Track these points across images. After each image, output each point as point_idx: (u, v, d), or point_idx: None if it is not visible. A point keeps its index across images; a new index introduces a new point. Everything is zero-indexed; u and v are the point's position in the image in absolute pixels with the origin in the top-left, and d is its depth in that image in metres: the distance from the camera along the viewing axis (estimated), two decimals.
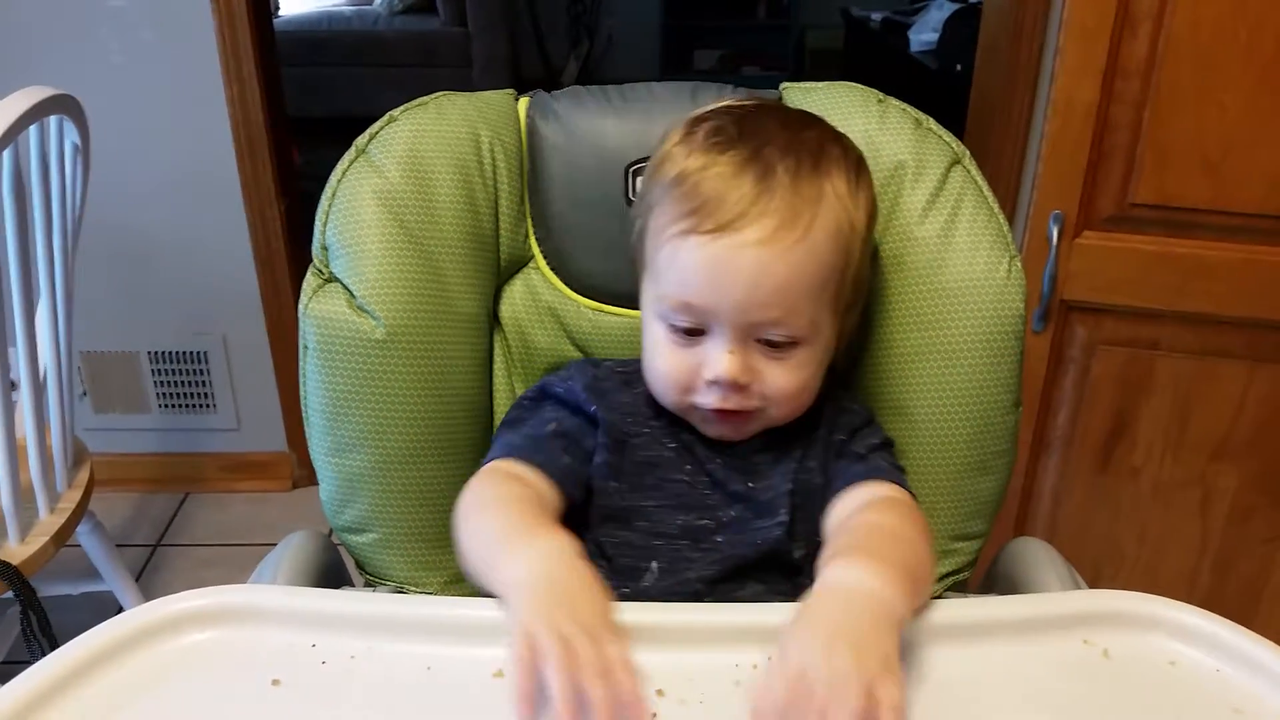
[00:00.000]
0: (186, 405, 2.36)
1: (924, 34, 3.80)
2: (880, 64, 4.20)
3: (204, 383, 2.34)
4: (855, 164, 0.80)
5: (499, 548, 0.70)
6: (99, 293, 2.12)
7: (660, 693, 0.63)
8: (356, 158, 0.87)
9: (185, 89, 2.07)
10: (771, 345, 0.77)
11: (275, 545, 0.87)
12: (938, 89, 3.30)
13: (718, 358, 0.76)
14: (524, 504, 0.75)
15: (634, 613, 0.66)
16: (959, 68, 3.16)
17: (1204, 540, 1.44)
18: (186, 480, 2.42)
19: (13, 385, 1.43)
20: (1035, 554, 0.86)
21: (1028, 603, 0.72)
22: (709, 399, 0.78)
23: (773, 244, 0.73)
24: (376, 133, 0.88)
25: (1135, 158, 1.28)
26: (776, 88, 0.96)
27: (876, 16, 4.32)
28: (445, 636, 0.66)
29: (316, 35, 4.80)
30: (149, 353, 2.30)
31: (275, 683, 0.63)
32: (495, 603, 0.67)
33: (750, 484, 0.83)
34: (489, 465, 0.81)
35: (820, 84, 0.94)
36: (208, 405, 2.36)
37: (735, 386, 0.76)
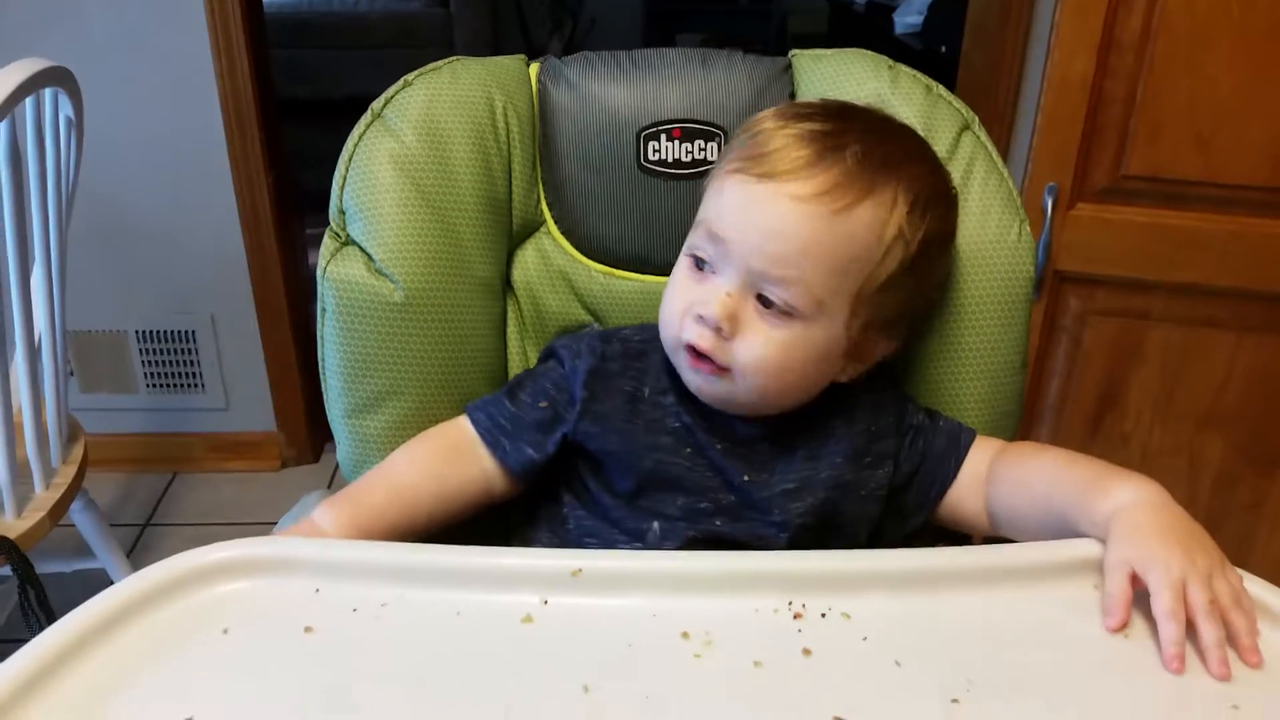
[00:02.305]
0: (174, 385, 2.36)
1: (909, 16, 3.81)
2: (865, 47, 4.20)
3: (192, 362, 2.33)
4: (934, 192, 0.80)
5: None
6: (87, 271, 2.11)
7: (685, 635, 0.64)
8: (372, 121, 0.88)
9: (174, 64, 2.05)
10: (766, 306, 0.76)
11: (264, 524, 0.88)
12: (924, 71, 3.31)
13: (713, 295, 0.77)
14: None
15: (652, 560, 0.68)
16: (944, 49, 3.17)
17: (1190, 506, 1.43)
18: (175, 460, 2.41)
19: None
20: None
21: (1038, 549, 0.74)
22: (689, 333, 0.78)
23: (806, 203, 0.74)
24: (392, 97, 0.89)
25: (1128, 131, 1.30)
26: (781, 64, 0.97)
27: (861, 0, 4.34)
28: (474, 584, 0.67)
29: (298, 17, 4.76)
30: (137, 332, 2.29)
31: (308, 630, 0.64)
32: (522, 551, 0.69)
33: (746, 477, 0.83)
34: (463, 426, 0.85)
35: (831, 50, 0.95)
36: (196, 385, 2.35)
37: (716, 329, 0.76)
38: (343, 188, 0.87)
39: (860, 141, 0.76)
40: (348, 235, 0.86)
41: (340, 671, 0.61)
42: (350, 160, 0.87)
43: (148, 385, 2.35)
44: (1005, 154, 1.67)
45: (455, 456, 0.84)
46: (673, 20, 5.55)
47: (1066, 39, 1.26)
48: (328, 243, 0.87)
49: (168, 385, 2.36)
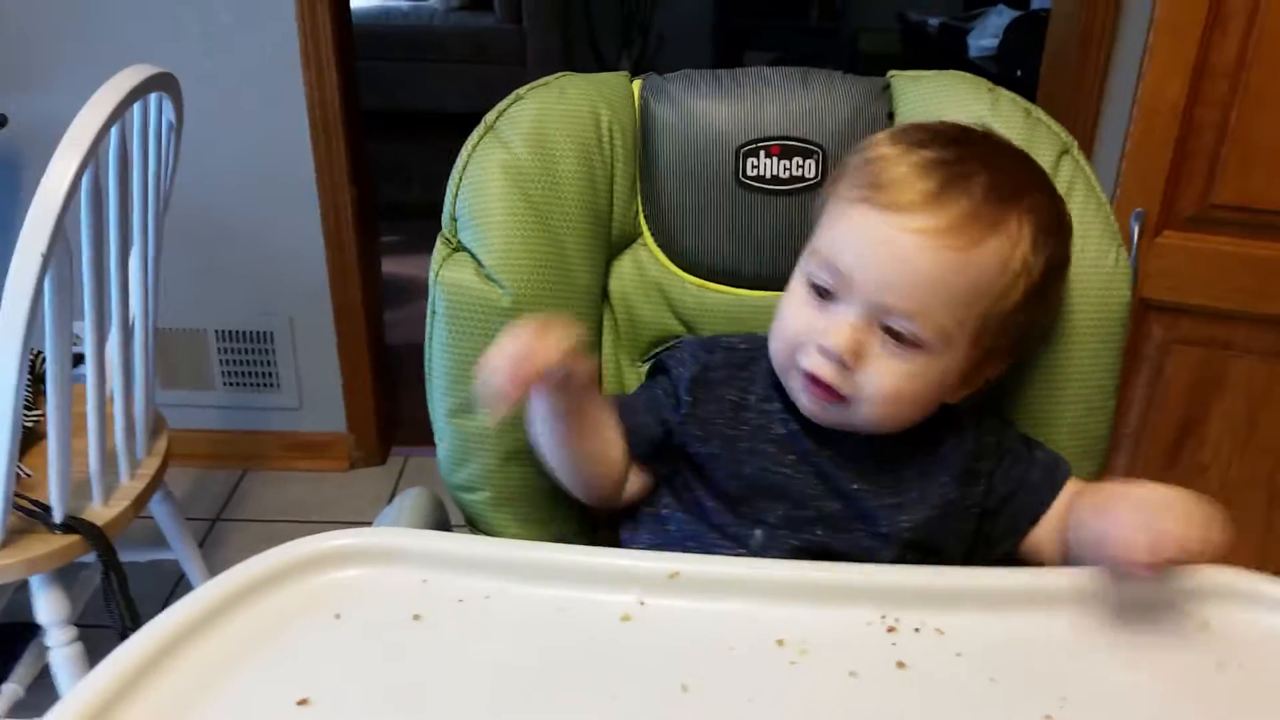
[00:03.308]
0: (250, 384, 2.41)
1: (983, 40, 3.82)
2: (939, 69, 4.20)
3: (269, 362, 2.39)
4: (1053, 219, 0.81)
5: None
6: (171, 271, 2.15)
7: (780, 642, 0.66)
8: (485, 133, 0.91)
9: (265, 72, 2.12)
10: (893, 337, 0.77)
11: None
12: None
13: (838, 326, 0.77)
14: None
15: (757, 568, 0.69)
16: (1019, 73, 3.17)
17: (1268, 541, 1.45)
18: (246, 457, 2.47)
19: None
20: None
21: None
22: (810, 363, 0.78)
23: (934, 238, 0.74)
24: (504, 110, 0.91)
25: (1219, 159, 1.29)
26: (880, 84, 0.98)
27: (934, 21, 4.34)
28: (575, 581, 0.69)
29: (373, 29, 4.86)
30: (216, 331, 2.35)
31: (416, 618, 0.66)
32: (622, 553, 0.71)
33: (855, 485, 0.83)
34: None
35: (930, 72, 0.96)
36: (271, 384, 2.41)
37: (839, 362, 0.77)
38: (456, 196, 0.90)
39: (984, 171, 0.77)
40: (459, 241, 0.89)
41: (447, 659, 0.63)
42: (464, 170, 0.90)
43: (225, 383, 2.41)
44: None
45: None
46: (742, 37, 5.57)
47: (1159, 63, 1.26)
48: (440, 248, 0.90)
49: (244, 384, 2.41)
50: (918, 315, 0.75)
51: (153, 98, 1.46)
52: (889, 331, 0.76)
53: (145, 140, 1.46)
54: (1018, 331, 0.81)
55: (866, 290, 0.76)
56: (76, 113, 1.28)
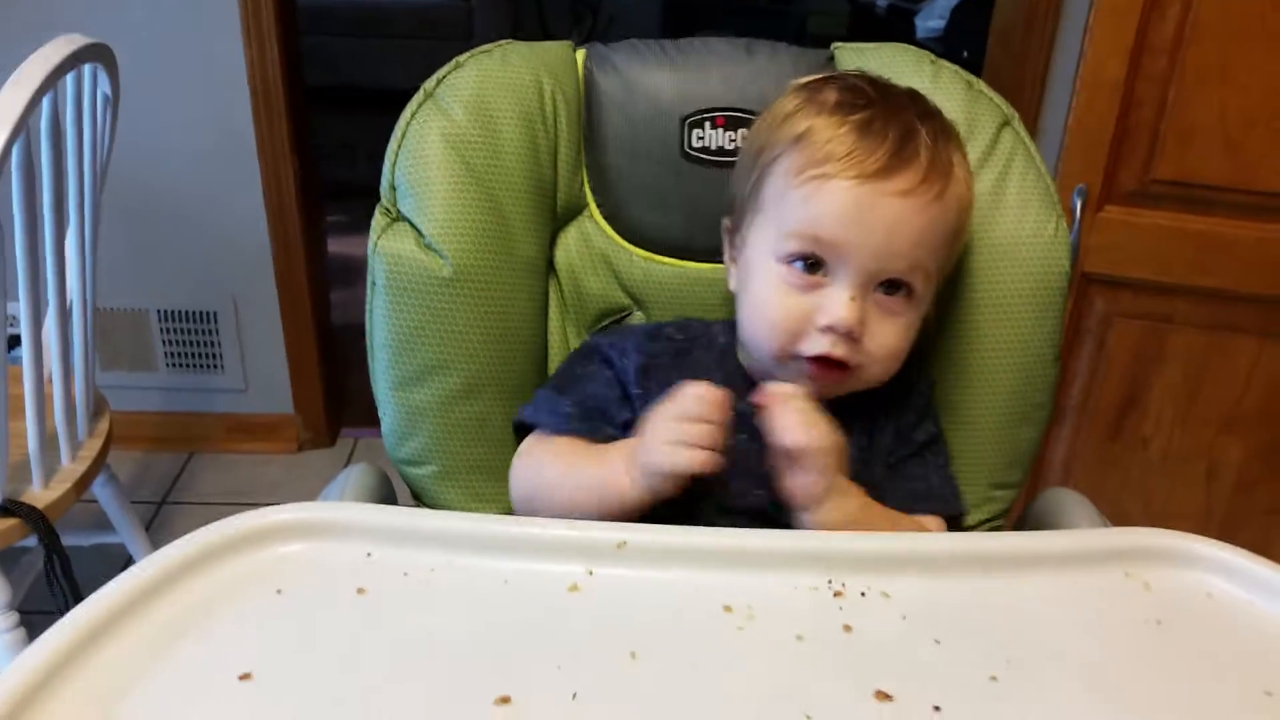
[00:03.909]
0: (194, 365, 2.37)
1: (931, 20, 3.84)
2: None
3: (213, 343, 2.35)
4: (963, 149, 0.85)
5: (595, 457, 0.82)
6: (110, 249, 2.11)
7: (728, 608, 0.66)
8: (425, 100, 0.89)
9: (205, 47, 2.07)
10: (889, 294, 0.79)
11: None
12: None
13: (840, 303, 0.78)
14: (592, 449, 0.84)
15: (704, 536, 0.69)
16: (966, 54, 3.19)
17: (1209, 510, 1.48)
18: (192, 440, 2.43)
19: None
20: (1070, 500, 0.90)
21: (1072, 537, 0.75)
22: (818, 346, 0.79)
23: (915, 196, 0.77)
24: (444, 76, 0.90)
25: (1158, 134, 1.31)
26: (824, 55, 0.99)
27: (882, 3, 4.36)
28: (521, 553, 0.68)
29: (320, 4, 4.78)
30: (159, 311, 2.31)
31: (360, 591, 0.65)
32: (568, 523, 0.70)
33: None
34: (550, 439, 0.86)
35: (874, 44, 0.97)
36: (215, 366, 2.37)
37: (849, 335, 0.78)
38: (394, 164, 0.88)
39: (917, 116, 0.80)
40: (398, 211, 0.88)
41: (390, 632, 0.63)
42: (403, 137, 0.88)
43: (168, 364, 2.37)
44: None
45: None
46: (692, 17, 5.55)
47: (1100, 41, 1.27)
48: (378, 218, 0.88)
49: (187, 365, 2.37)
50: (913, 270, 0.79)
51: (86, 69, 1.43)
52: (886, 290, 0.79)
53: (80, 112, 1.42)
54: (956, 258, 0.86)
55: (861, 258, 0.77)
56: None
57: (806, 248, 0.79)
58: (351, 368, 2.53)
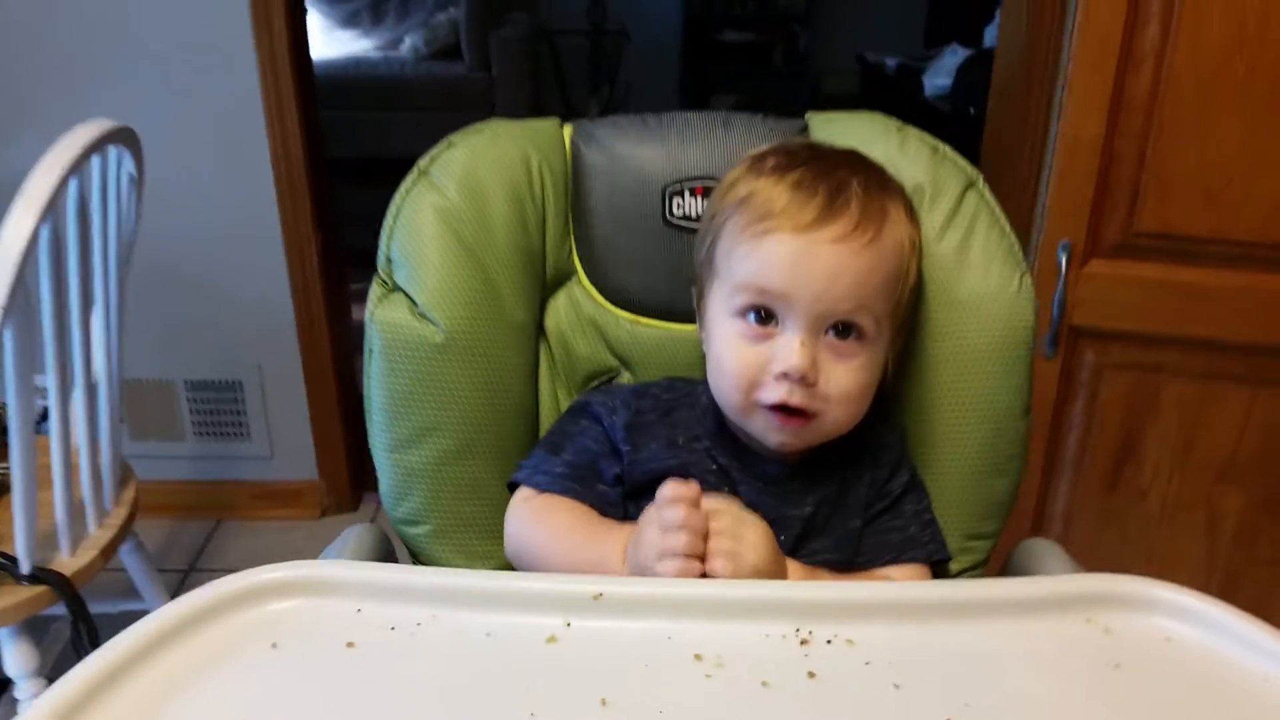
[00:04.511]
0: (221, 433, 2.43)
1: (938, 79, 3.90)
2: (895, 109, 4.28)
3: (239, 411, 2.41)
4: (908, 202, 0.90)
5: (593, 531, 0.86)
6: (139, 322, 2.19)
7: (698, 657, 0.69)
8: (419, 178, 0.95)
9: (228, 124, 2.15)
10: (841, 338, 0.83)
11: None
12: (952, 132, 3.38)
13: (789, 350, 0.82)
14: (588, 514, 0.88)
15: (678, 587, 0.73)
16: (973, 111, 3.24)
17: (1210, 560, 1.49)
18: (219, 507, 2.48)
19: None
20: (1045, 550, 0.92)
21: (1035, 584, 0.78)
22: (776, 394, 0.82)
23: (849, 242, 0.81)
24: (437, 156, 0.96)
25: (1139, 189, 1.35)
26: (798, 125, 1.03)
27: (891, 62, 4.44)
28: (503, 606, 0.72)
29: (345, 79, 4.93)
30: (185, 381, 2.38)
31: (350, 645, 0.69)
32: (548, 576, 0.74)
33: (780, 510, 0.88)
34: (544, 495, 0.90)
35: (843, 113, 1.01)
36: (241, 434, 2.43)
37: (803, 381, 0.82)
38: (390, 238, 0.94)
39: (849, 170, 0.85)
40: (394, 282, 0.93)
41: (379, 684, 0.66)
42: (398, 213, 0.94)
43: (195, 433, 2.43)
44: (1029, 212, 1.72)
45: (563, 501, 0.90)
46: (708, 83, 5.68)
47: (1078, 99, 1.31)
48: (375, 289, 0.93)
49: (214, 434, 2.43)
50: (858, 311, 0.82)
51: (111, 151, 1.50)
52: (837, 333, 0.83)
53: (105, 193, 1.50)
54: (911, 305, 0.90)
55: (805, 304, 0.81)
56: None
57: (755, 299, 0.83)
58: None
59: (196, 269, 2.27)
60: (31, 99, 2.12)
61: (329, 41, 5.27)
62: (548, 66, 5.41)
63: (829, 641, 0.71)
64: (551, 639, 0.70)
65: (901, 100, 4.20)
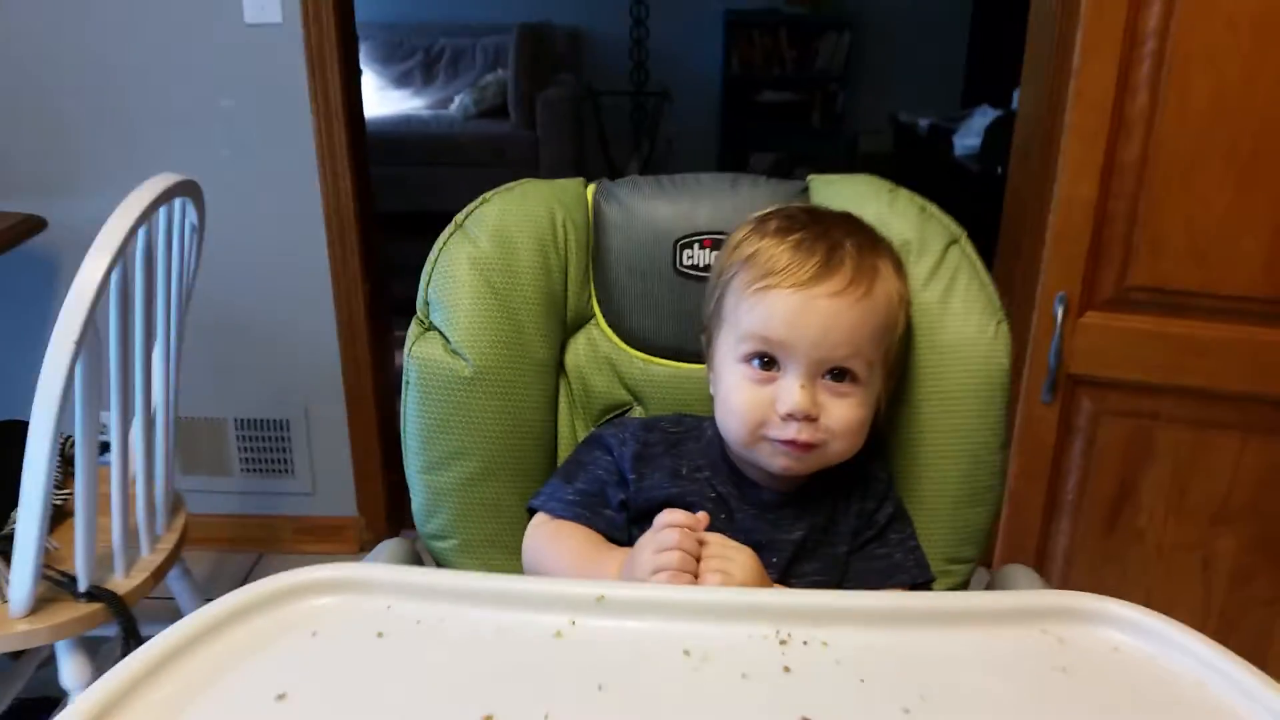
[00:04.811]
0: (267, 470, 2.55)
1: (968, 139, 4.00)
2: (926, 167, 4.40)
3: (285, 449, 2.53)
4: (897, 260, 0.99)
5: (596, 552, 0.95)
6: (194, 363, 2.30)
7: (687, 652, 0.77)
8: (455, 230, 1.07)
9: (285, 181, 2.29)
10: (837, 380, 0.92)
11: None
12: (980, 190, 3.48)
13: (792, 391, 0.91)
14: (592, 539, 0.97)
15: (672, 592, 0.82)
16: (1000, 170, 3.33)
17: (1207, 601, 1.54)
18: (262, 541, 2.59)
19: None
20: (1020, 574, 1.00)
21: (996, 597, 0.85)
22: (785, 432, 0.92)
23: (843, 297, 0.91)
24: (472, 211, 1.07)
25: (1131, 246, 1.43)
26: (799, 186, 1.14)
27: (924, 123, 4.55)
28: (516, 606, 0.81)
29: (397, 136, 5.11)
30: (235, 419, 2.50)
31: (380, 635, 0.78)
32: (555, 581, 0.83)
33: (772, 535, 0.98)
34: (555, 521, 0.99)
35: (841, 175, 1.11)
36: (286, 470, 2.55)
37: (806, 418, 0.91)
38: (428, 283, 1.05)
39: (844, 233, 0.94)
40: (430, 321, 1.04)
41: (406, 669, 0.75)
42: (436, 261, 1.05)
43: (242, 469, 2.55)
44: (1039, 266, 1.80)
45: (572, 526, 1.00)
46: (746, 140, 5.80)
47: (1073, 163, 1.40)
48: (413, 328, 1.04)
49: (261, 470, 2.55)
50: (851, 357, 0.92)
51: (177, 202, 1.62)
52: (833, 377, 0.92)
53: (169, 241, 1.62)
54: (900, 353, 0.99)
55: (804, 351, 0.91)
56: (109, 216, 1.43)
57: (759, 347, 0.93)
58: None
59: (250, 314, 2.40)
60: (108, 155, 2.28)
61: (382, 100, 5.48)
62: (591, 125, 5.57)
63: (805, 643, 0.79)
64: (558, 634, 0.79)
65: (933, 159, 4.31)
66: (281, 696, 0.71)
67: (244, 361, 2.45)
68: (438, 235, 1.07)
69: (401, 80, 5.70)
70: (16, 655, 2.11)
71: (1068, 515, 1.58)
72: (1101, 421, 1.52)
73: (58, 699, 1.86)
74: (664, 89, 5.76)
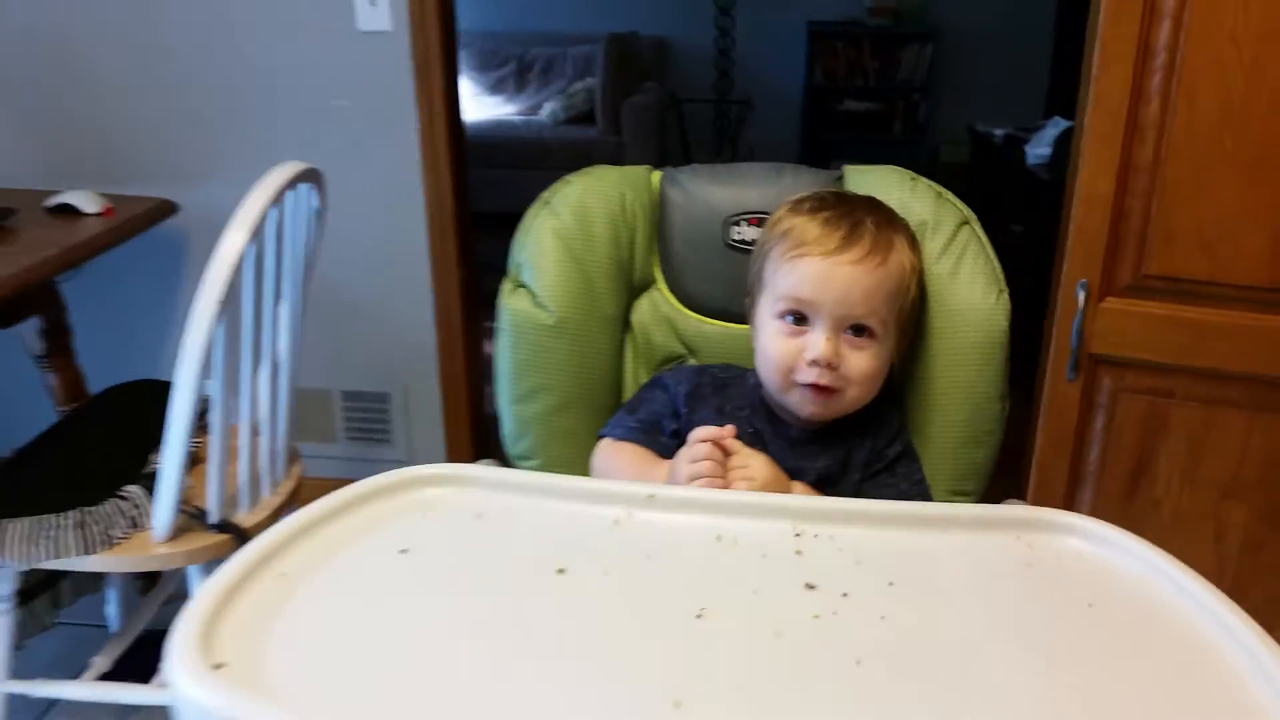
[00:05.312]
0: (368, 438, 2.78)
1: (1039, 149, 4.11)
2: (1000, 175, 4.52)
3: (384, 420, 2.76)
4: (912, 237, 1.18)
5: (648, 465, 1.15)
6: (307, 336, 2.54)
7: (719, 538, 0.97)
8: (542, 206, 1.28)
9: (392, 178, 2.52)
10: (856, 335, 1.11)
11: None
12: (1049, 198, 3.60)
13: (818, 342, 1.11)
14: (647, 455, 1.17)
15: (710, 494, 1.01)
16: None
17: (1220, 568, 1.68)
18: None
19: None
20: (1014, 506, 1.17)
21: (980, 509, 1.03)
22: (809, 376, 1.11)
23: (862, 264, 1.10)
24: (556, 189, 1.29)
25: (1146, 239, 1.58)
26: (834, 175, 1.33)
27: (999, 133, 4.66)
28: (583, 499, 1.01)
29: (490, 141, 5.37)
30: (341, 391, 2.75)
31: (478, 517, 0.99)
32: (615, 482, 1.03)
33: (798, 464, 1.16)
34: (617, 443, 1.19)
35: (871, 166, 1.30)
36: (385, 439, 2.78)
37: (829, 365, 1.10)
38: (520, 248, 1.27)
39: (865, 212, 1.13)
40: (519, 279, 1.26)
41: (498, 543, 0.96)
42: (527, 230, 1.28)
43: (346, 437, 2.79)
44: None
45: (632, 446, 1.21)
46: (827, 149, 5.89)
47: (1090, 163, 1.56)
48: (506, 284, 1.26)
49: (362, 438, 2.79)
50: (868, 315, 1.11)
51: (302, 187, 1.85)
52: (853, 332, 1.11)
53: (295, 221, 1.85)
54: (913, 316, 1.17)
55: (829, 309, 1.10)
56: (234, 201, 1.61)
57: (792, 306, 1.12)
58: (496, 448, 2.89)
59: (358, 295, 2.64)
60: (232, 148, 2.55)
61: (477, 106, 5.74)
62: (674, 132, 5.77)
63: (815, 536, 0.97)
64: (616, 522, 0.99)
65: (1006, 168, 4.42)
66: (404, 551, 0.92)
67: (351, 337, 2.69)
68: None
69: (495, 87, 5.97)
70: (146, 589, 2.39)
71: (1090, 485, 1.73)
72: (1120, 399, 1.67)
73: None
74: (746, 97, 5.93)
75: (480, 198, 2.75)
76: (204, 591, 0.82)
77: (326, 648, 0.80)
